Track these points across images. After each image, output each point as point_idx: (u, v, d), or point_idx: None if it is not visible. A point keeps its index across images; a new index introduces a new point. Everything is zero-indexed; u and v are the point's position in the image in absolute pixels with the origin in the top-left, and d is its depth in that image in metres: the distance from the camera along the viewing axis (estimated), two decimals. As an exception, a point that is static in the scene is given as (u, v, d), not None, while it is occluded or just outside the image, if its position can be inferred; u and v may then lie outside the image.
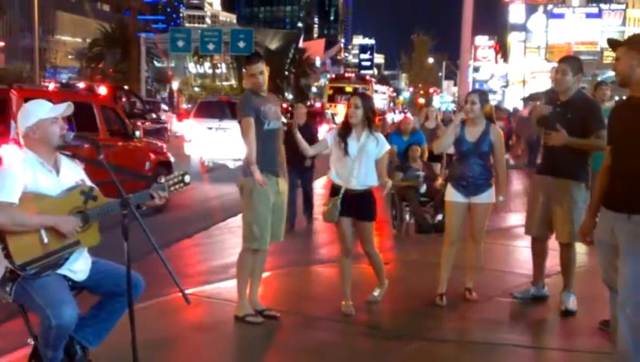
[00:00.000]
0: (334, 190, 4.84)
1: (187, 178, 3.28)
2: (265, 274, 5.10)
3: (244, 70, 4.76)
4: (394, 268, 6.24)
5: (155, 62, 47.41)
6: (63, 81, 38.46)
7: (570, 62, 4.94)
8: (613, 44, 3.59)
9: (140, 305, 4.45)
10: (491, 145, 5.04)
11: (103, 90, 18.46)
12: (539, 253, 5.20)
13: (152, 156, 9.99)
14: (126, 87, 24.35)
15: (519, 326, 4.90)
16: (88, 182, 3.21)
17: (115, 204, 3.07)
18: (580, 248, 5.21)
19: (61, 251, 2.95)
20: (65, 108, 3.14)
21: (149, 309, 4.64)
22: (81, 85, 20.00)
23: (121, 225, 2.96)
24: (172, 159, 10.74)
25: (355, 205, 4.74)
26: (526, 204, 5.43)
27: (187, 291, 5.22)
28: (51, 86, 16.16)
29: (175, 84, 54.85)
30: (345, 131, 4.81)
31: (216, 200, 11.20)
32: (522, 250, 6.63)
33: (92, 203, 3.07)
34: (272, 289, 5.52)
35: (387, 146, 4.86)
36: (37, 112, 3.08)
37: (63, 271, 3.02)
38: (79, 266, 3.11)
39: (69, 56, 45.97)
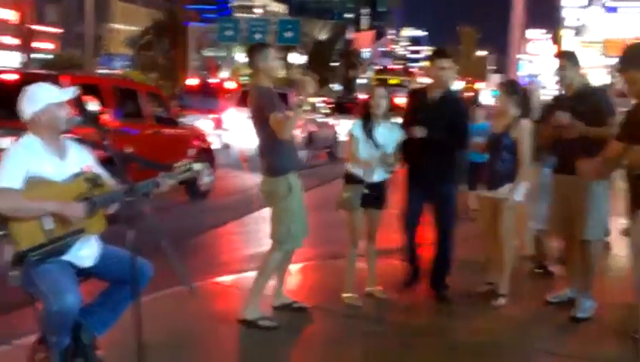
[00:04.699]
0: (350, 178, 4.84)
1: (196, 166, 3.24)
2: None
3: (250, 58, 4.40)
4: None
5: (205, 51, 48.00)
6: (114, 70, 39.29)
7: (567, 56, 4.94)
8: None
9: (157, 294, 4.49)
10: (513, 140, 4.91)
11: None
12: (569, 254, 4.99)
13: (195, 143, 10.10)
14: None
15: (546, 329, 4.71)
16: (97, 168, 3.19)
17: (120, 191, 3.04)
18: (619, 250, 5.00)
19: (65, 238, 2.94)
20: (72, 92, 3.12)
21: (167, 297, 4.62)
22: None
23: (129, 212, 2.94)
24: (214, 146, 10.85)
25: (371, 195, 4.78)
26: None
27: (216, 279, 5.38)
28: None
29: (224, 74, 55.40)
30: (369, 123, 4.85)
31: (253, 189, 11.21)
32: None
33: (98, 190, 3.04)
34: (296, 283, 5.49)
35: (401, 133, 4.90)
36: (45, 96, 3.05)
37: (68, 257, 3.00)
38: (86, 252, 3.09)
39: (122, 44, 46.96)
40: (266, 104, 4.23)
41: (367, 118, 4.87)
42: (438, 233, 5.04)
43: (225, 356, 4.06)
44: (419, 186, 4.96)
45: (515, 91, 5.09)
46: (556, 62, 4.92)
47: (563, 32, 53.74)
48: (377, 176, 4.82)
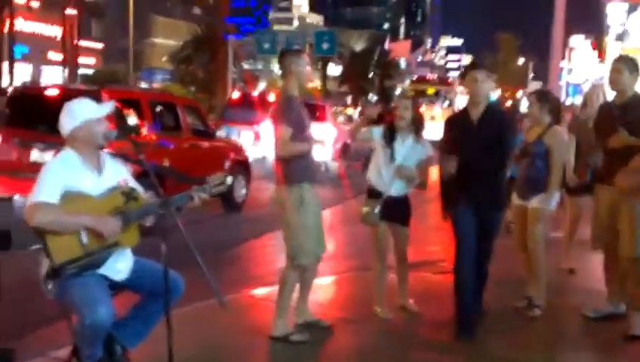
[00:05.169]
0: (372, 192, 4.76)
1: (229, 179, 3.26)
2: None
3: (281, 64, 4.31)
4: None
5: (243, 64, 48.54)
6: (155, 84, 39.96)
7: (626, 62, 4.70)
8: None
9: (190, 307, 4.52)
10: (547, 147, 4.84)
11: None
12: (609, 267, 4.85)
13: (232, 155, 10.21)
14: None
15: (586, 346, 4.59)
16: (132, 182, 3.24)
17: (155, 205, 3.08)
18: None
19: (100, 252, 2.98)
20: (110, 107, 3.19)
21: (201, 310, 4.64)
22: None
23: (162, 225, 2.97)
24: (250, 159, 10.94)
25: (393, 209, 4.65)
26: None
27: (251, 292, 5.40)
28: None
29: (262, 86, 55.92)
30: (391, 134, 4.70)
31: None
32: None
33: (133, 203, 3.09)
34: (328, 296, 5.46)
35: (431, 152, 4.75)
36: (83, 112, 3.11)
37: (102, 270, 3.05)
38: (120, 266, 3.13)
39: (163, 59, 47.90)
40: (281, 114, 4.13)
41: (391, 129, 4.73)
42: (477, 254, 4.52)
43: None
44: (468, 210, 4.43)
45: (547, 99, 5.05)
46: (610, 66, 4.75)
47: (607, 39, 52.59)
48: (396, 189, 4.67)
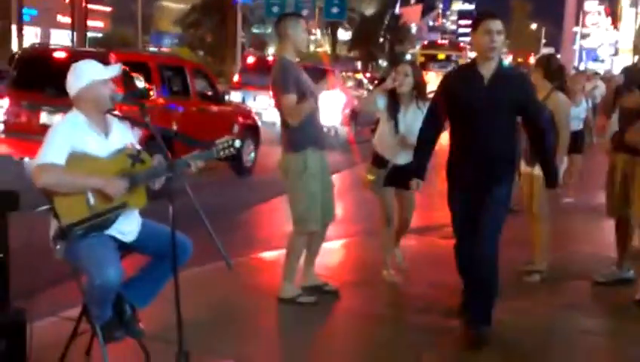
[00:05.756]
0: (378, 160, 4.75)
1: (237, 143, 3.23)
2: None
3: (277, 29, 4.24)
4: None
5: (253, 29, 48.06)
6: (162, 47, 39.72)
7: None
8: None
9: (198, 269, 4.55)
10: (550, 112, 4.75)
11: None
12: (621, 234, 4.87)
13: (240, 120, 10.18)
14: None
15: (594, 311, 4.60)
16: (137, 145, 3.23)
17: (161, 167, 3.07)
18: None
19: (107, 213, 2.98)
20: (117, 69, 3.16)
21: (208, 272, 4.67)
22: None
23: (170, 188, 2.96)
24: (259, 123, 10.91)
25: (399, 176, 4.59)
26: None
27: (259, 255, 5.43)
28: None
29: (271, 50, 55.42)
30: (394, 105, 4.64)
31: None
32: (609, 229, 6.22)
33: (139, 166, 3.08)
34: (336, 259, 5.49)
35: None
36: (90, 73, 3.08)
37: (111, 231, 3.06)
38: (128, 227, 3.14)
39: (171, 22, 47.53)
40: (282, 81, 4.09)
41: (393, 97, 4.64)
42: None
43: (262, 331, 4.09)
44: (465, 193, 3.83)
45: (550, 64, 4.97)
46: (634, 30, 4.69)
47: (622, 4, 51.62)
48: (401, 158, 4.62)
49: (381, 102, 4.68)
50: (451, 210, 3.93)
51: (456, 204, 3.87)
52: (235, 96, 14.18)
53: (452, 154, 3.89)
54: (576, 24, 37.66)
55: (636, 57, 43.33)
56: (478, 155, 3.74)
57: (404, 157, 4.61)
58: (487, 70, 3.70)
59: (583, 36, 55.52)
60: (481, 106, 3.66)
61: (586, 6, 53.39)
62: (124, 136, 3.21)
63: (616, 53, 55.53)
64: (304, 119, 4.11)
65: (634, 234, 5.01)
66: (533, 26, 73.96)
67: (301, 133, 4.14)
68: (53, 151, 2.94)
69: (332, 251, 5.60)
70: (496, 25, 3.66)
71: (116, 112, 3.19)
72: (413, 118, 4.57)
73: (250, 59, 18.69)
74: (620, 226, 4.90)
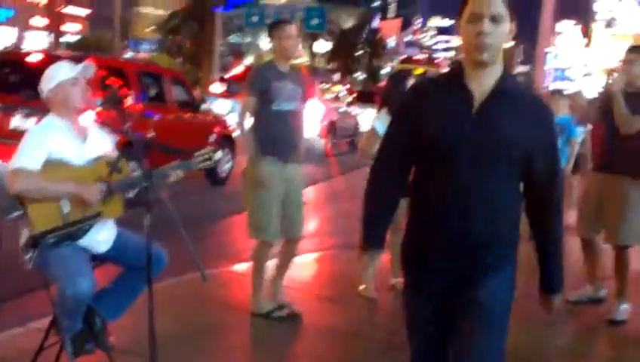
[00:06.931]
0: None
1: (217, 155, 3.20)
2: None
3: (269, 37, 4.22)
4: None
5: (230, 38, 48.02)
6: (140, 53, 39.45)
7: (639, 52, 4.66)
8: None
9: (171, 281, 4.48)
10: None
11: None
12: (589, 254, 4.93)
13: (217, 129, 10.12)
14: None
15: (567, 330, 4.63)
16: (115, 154, 3.17)
17: (139, 177, 3.02)
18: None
19: (81, 222, 2.93)
20: (83, 68, 3.09)
21: (181, 285, 4.61)
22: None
23: (146, 198, 2.90)
24: (235, 133, 10.85)
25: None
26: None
27: (231, 268, 5.36)
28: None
29: (249, 60, 55.39)
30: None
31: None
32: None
33: (117, 175, 3.03)
34: (312, 273, 5.46)
35: None
36: (58, 74, 3.04)
37: (84, 241, 2.99)
38: (102, 237, 3.08)
39: (150, 28, 47.29)
40: (247, 81, 4.20)
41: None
42: None
43: (235, 345, 4.03)
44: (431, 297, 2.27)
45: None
46: (623, 55, 4.70)
47: (594, 25, 52.72)
48: None
49: (380, 125, 4.47)
50: (409, 327, 2.34)
51: (419, 321, 2.30)
52: (222, 105, 14.16)
53: (414, 227, 2.27)
54: (550, 45, 38.37)
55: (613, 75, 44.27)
56: (457, 235, 2.14)
57: None
58: (478, 84, 2.14)
59: (556, 56, 56.59)
60: (467, 147, 2.09)
61: (558, 27, 54.40)
62: (103, 143, 3.16)
63: (589, 74, 56.78)
64: (266, 127, 4.05)
65: (601, 254, 5.02)
66: (510, 44, 75.04)
67: (263, 140, 4.07)
68: (29, 156, 2.87)
69: (306, 265, 5.57)
70: (492, 5, 2.08)
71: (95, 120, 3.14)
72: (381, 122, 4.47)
73: (239, 69, 18.70)
74: (586, 246, 4.94)
